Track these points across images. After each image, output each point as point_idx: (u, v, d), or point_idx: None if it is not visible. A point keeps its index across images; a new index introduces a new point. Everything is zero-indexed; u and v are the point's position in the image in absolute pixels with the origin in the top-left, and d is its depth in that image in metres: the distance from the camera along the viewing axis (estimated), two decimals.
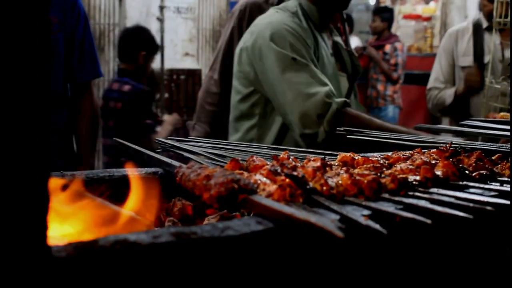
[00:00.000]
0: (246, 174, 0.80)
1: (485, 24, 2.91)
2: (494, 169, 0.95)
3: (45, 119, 0.48)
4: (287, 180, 0.72)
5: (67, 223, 0.70)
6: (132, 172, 0.92)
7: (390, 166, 0.94)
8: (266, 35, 1.81)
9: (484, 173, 0.91)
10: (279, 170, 0.77)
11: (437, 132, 1.64)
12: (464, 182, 0.87)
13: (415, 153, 1.03)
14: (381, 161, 0.95)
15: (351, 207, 0.72)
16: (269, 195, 0.70)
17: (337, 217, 0.66)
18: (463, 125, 1.49)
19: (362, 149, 1.15)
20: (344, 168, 0.87)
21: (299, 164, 0.86)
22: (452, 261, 0.83)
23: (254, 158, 0.88)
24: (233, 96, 1.97)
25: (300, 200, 0.71)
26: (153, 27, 4.87)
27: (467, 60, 2.89)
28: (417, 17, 8.27)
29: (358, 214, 0.67)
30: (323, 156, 0.94)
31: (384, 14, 6.06)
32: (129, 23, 5.27)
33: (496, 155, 1.08)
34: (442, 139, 1.34)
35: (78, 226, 0.70)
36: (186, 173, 0.79)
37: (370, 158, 0.96)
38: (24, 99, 0.47)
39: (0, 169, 0.46)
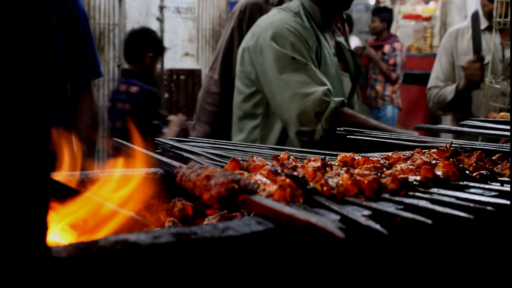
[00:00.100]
0: (246, 174, 0.80)
1: (484, 24, 2.91)
2: (495, 169, 0.95)
3: (45, 119, 0.48)
4: (288, 180, 0.72)
5: (67, 223, 0.70)
6: (132, 172, 0.92)
7: (390, 166, 0.94)
8: (267, 34, 1.81)
9: (485, 173, 0.91)
10: (279, 170, 0.77)
11: (437, 132, 1.64)
12: (465, 182, 0.87)
13: (416, 153, 1.03)
14: (382, 161, 0.95)
15: (352, 207, 0.72)
16: (270, 195, 0.70)
17: (338, 217, 0.65)
18: (463, 125, 1.50)
19: (359, 149, 1.15)
20: (345, 168, 0.87)
21: (299, 164, 0.86)
22: (452, 261, 0.83)
23: (254, 158, 0.88)
24: (236, 96, 1.97)
25: (301, 200, 0.70)
26: (153, 27, 4.87)
27: (467, 59, 2.88)
28: (416, 17, 8.27)
29: (359, 214, 0.67)
30: (323, 156, 0.94)
31: (383, 15, 6.05)
32: (129, 23, 5.28)
33: (496, 155, 1.08)
34: (441, 140, 1.34)
35: (77, 226, 0.70)
36: (186, 173, 0.79)
37: (371, 158, 0.96)
38: (24, 99, 0.47)
39: (0, 169, 0.46)
